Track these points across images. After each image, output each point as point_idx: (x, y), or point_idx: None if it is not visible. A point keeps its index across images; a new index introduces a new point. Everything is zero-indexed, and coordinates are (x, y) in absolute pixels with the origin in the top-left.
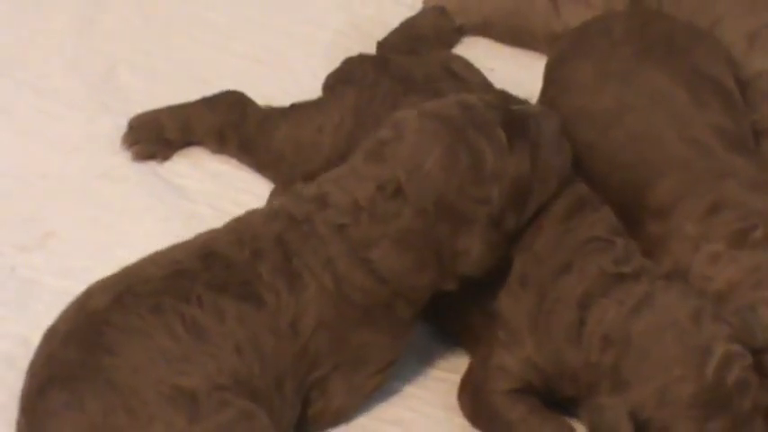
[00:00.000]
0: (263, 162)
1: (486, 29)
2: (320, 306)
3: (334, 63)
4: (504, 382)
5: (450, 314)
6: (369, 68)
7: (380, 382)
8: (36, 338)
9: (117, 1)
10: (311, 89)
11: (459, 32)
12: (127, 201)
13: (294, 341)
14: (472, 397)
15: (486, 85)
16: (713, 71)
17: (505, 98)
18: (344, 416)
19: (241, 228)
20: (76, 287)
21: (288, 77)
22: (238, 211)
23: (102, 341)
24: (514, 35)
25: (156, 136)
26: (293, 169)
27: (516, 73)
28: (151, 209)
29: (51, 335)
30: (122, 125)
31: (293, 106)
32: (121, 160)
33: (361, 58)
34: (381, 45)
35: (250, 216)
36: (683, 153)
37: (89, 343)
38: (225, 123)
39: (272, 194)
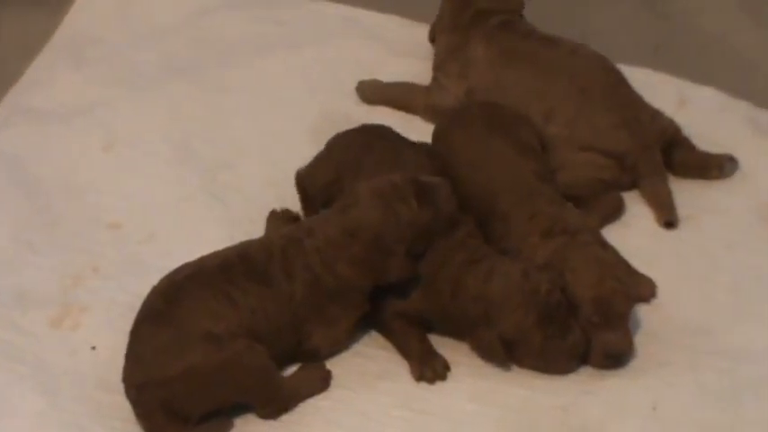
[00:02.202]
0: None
1: (382, 103)
2: (304, 290)
3: (312, 149)
4: (393, 308)
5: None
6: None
7: (344, 335)
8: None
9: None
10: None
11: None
12: (201, 216)
13: (288, 309)
14: (378, 320)
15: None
16: (528, 138)
17: (419, 175)
18: (320, 352)
19: (264, 241)
20: (172, 266)
21: (277, 164)
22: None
23: (176, 298)
24: (401, 107)
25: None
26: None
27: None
28: (216, 221)
29: (152, 291)
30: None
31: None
32: (200, 194)
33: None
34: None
35: (271, 234)
36: (514, 184)
37: (169, 298)
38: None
39: (269, 219)
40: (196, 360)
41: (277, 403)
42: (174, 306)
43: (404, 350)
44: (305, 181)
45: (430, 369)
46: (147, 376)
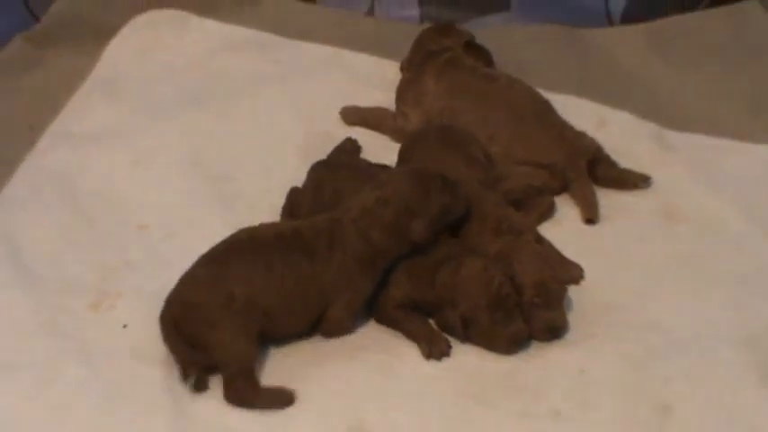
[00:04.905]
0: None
1: (360, 124)
2: (340, 263)
3: (300, 162)
4: (393, 302)
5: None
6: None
7: (360, 305)
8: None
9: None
10: (288, 180)
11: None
12: (211, 218)
13: (322, 280)
14: (378, 310)
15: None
16: (475, 154)
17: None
18: (340, 324)
19: (313, 222)
20: (189, 258)
21: (272, 175)
22: None
23: (225, 261)
24: (375, 128)
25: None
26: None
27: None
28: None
29: (206, 254)
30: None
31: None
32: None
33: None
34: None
35: (317, 217)
36: (465, 191)
37: (218, 261)
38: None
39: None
40: (196, 300)
41: (237, 386)
42: (221, 266)
43: (411, 334)
44: (295, 195)
45: (437, 348)
46: (171, 294)
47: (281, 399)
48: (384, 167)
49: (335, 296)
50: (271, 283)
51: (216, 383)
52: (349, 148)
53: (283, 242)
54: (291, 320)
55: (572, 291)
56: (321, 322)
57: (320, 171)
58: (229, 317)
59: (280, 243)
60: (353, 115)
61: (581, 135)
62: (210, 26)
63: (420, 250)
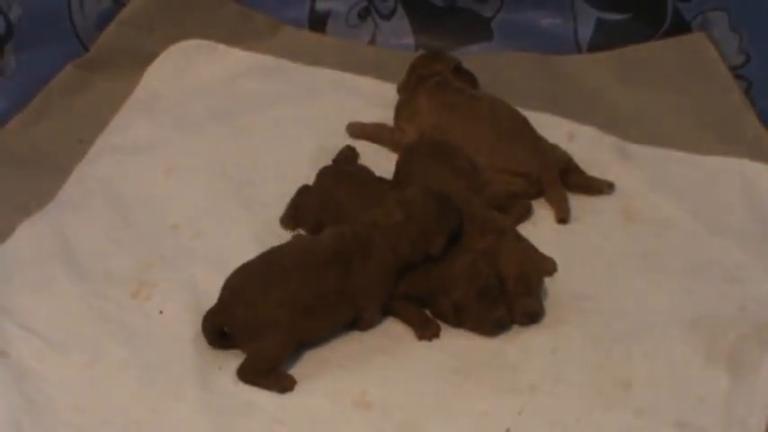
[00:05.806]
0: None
1: (363, 138)
2: (372, 273)
3: (311, 170)
4: (396, 296)
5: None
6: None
7: (384, 305)
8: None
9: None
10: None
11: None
12: (234, 219)
13: (356, 291)
14: (388, 307)
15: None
16: (462, 164)
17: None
18: (375, 321)
19: (341, 238)
20: (215, 255)
21: (287, 181)
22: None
23: (271, 282)
24: (375, 141)
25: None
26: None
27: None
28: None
29: (250, 269)
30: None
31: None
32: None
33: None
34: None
35: (342, 230)
36: (453, 197)
37: (264, 280)
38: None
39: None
40: (244, 317)
41: (253, 372)
42: (271, 278)
43: (407, 320)
44: (304, 194)
45: (428, 331)
46: (220, 305)
47: (282, 383)
48: (381, 179)
49: (367, 299)
50: (313, 302)
51: (236, 361)
52: (348, 155)
53: (321, 262)
54: (327, 329)
55: (547, 281)
56: (357, 321)
57: (325, 179)
58: (272, 333)
59: (318, 263)
60: (357, 130)
61: (554, 147)
62: (235, 54)
63: (428, 260)
